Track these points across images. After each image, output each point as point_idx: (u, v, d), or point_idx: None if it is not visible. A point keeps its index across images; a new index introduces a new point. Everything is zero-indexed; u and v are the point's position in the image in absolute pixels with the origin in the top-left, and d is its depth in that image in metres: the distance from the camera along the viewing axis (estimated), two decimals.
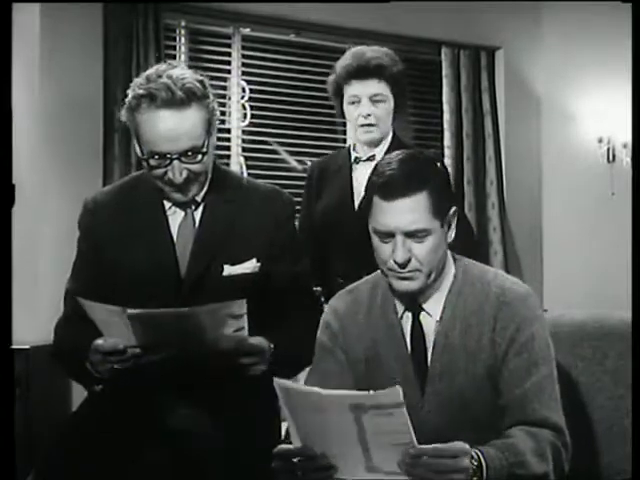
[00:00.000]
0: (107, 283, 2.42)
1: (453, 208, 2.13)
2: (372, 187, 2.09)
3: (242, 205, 2.46)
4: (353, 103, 3.23)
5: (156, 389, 2.32)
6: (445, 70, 5.71)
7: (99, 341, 2.24)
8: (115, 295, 2.37)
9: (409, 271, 2.06)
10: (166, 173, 2.32)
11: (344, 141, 5.57)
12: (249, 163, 5.30)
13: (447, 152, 5.71)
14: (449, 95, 5.74)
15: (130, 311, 2.15)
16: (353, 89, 3.21)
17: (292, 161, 5.56)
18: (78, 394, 2.54)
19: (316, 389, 1.82)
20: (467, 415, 2.06)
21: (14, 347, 2.14)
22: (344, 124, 5.55)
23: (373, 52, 3.23)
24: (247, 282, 2.41)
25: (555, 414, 2.02)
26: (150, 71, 2.35)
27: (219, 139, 4.76)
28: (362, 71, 3.20)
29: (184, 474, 2.22)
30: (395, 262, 2.05)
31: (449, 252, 2.17)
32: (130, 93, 2.33)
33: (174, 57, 5.01)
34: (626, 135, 5.53)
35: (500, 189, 5.81)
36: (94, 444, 2.24)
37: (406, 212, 2.03)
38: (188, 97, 2.29)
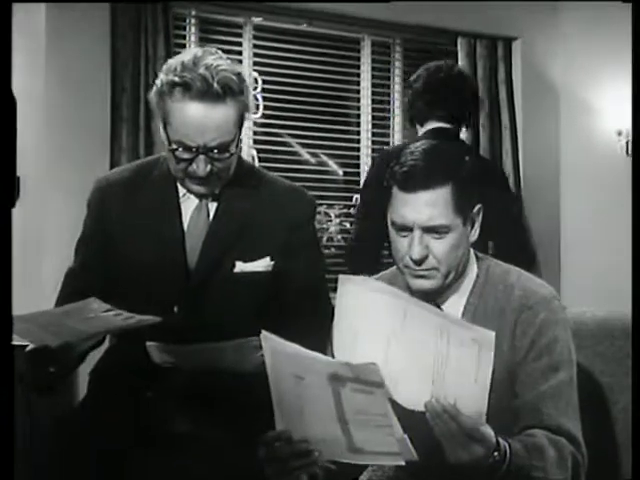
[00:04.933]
0: (109, 267, 2.36)
1: (478, 205, 2.01)
2: (392, 176, 1.97)
3: (260, 202, 2.38)
4: None
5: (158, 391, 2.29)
6: (461, 61, 5.59)
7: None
8: (116, 282, 2.33)
9: (425, 269, 1.95)
10: (190, 165, 2.24)
11: (358, 133, 5.50)
12: (261, 156, 5.22)
13: None
14: None
15: (149, 343, 2.19)
16: None
17: (305, 154, 5.47)
18: (79, 392, 2.51)
19: (300, 348, 1.76)
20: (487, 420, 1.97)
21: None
22: (358, 116, 5.50)
23: None
24: (258, 281, 2.34)
25: (571, 422, 1.92)
26: (187, 57, 2.24)
27: None
28: None
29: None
30: (411, 259, 1.95)
31: (472, 251, 2.07)
32: (163, 77, 2.24)
33: (184, 47, 4.92)
34: None
35: (517, 182, 5.72)
36: (90, 444, 2.22)
37: (426, 206, 1.92)
38: (224, 91, 2.19)
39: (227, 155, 2.25)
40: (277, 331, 2.15)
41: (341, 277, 1.88)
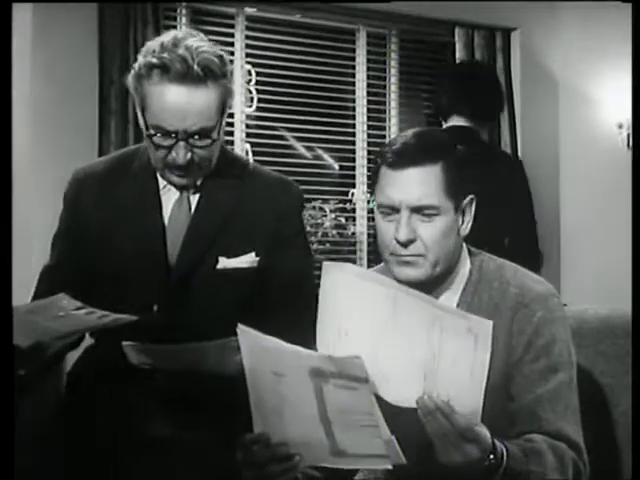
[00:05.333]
0: (85, 263, 2.28)
1: (471, 195, 1.92)
2: (382, 156, 1.88)
3: (245, 194, 2.29)
4: None
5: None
6: (459, 52, 5.51)
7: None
8: (93, 278, 2.26)
9: (412, 255, 1.84)
10: (169, 153, 2.14)
11: (353, 126, 5.41)
12: (255, 149, 5.13)
13: None
14: None
15: (125, 343, 2.08)
16: None
17: (300, 148, 5.38)
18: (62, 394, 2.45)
19: (280, 342, 1.66)
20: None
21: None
22: (354, 108, 5.42)
23: None
24: (242, 278, 2.25)
25: (570, 427, 1.83)
26: (166, 38, 2.14)
27: None
28: None
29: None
30: (397, 241, 1.84)
31: (465, 245, 1.97)
32: (141, 59, 2.13)
33: None
34: None
35: None
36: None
37: (415, 183, 1.83)
38: (205, 74, 2.09)
39: (209, 142, 2.15)
40: (261, 328, 2.08)
41: (325, 264, 1.80)
